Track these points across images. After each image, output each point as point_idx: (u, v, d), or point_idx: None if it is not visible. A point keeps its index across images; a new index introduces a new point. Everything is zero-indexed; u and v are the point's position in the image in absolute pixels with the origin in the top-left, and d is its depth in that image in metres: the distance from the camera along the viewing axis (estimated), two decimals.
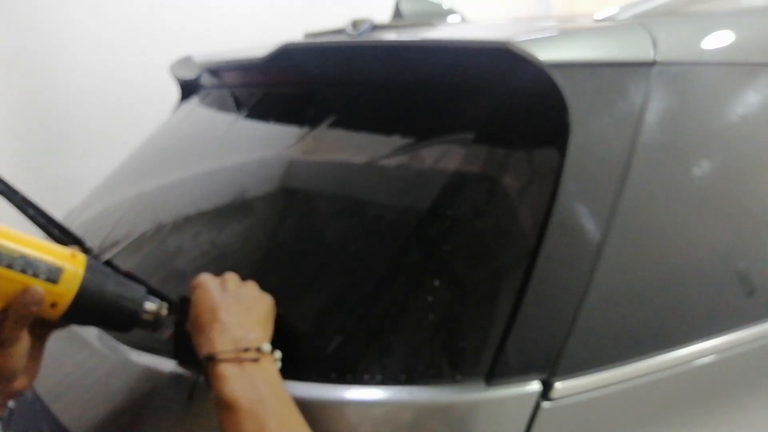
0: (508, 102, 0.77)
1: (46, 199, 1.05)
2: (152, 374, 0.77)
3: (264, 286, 0.73)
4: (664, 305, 0.74)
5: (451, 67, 0.82)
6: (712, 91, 0.85)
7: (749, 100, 0.88)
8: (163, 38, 2.72)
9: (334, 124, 0.95)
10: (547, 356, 0.65)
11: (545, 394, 0.64)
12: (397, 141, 0.84)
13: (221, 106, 1.28)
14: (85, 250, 0.88)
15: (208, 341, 0.65)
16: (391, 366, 0.65)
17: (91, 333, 0.90)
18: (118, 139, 2.01)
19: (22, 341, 0.63)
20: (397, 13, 1.37)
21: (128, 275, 0.73)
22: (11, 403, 0.94)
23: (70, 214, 1.36)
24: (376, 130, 0.90)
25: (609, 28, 0.82)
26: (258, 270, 0.82)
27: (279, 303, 0.72)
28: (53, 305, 0.63)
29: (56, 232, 0.89)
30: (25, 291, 0.60)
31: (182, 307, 0.73)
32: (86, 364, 0.84)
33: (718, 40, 0.88)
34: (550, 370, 0.65)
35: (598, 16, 0.90)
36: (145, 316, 0.69)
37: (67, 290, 0.63)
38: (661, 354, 0.72)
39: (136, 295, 0.69)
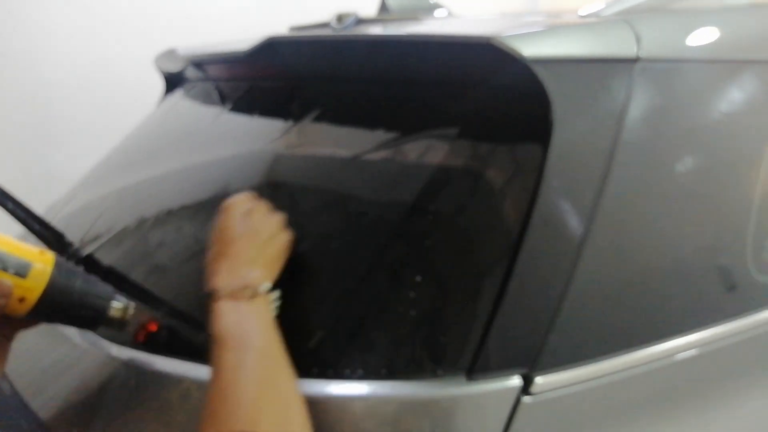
0: (492, 97, 0.77)
1: (28, 193, 1.04)
2: (132, 369, 0.76)
3: None
4: (644, 301, 0.74)
5: (435, 61, 0.82)
6: (696, 87, 0.86)
7: (732, 97, 0.89)
8: (147, 31, 2.69)
9: (319, 118, 0.94)
10: (528, 351, 0.65)
11: (526, 388, 0.65)
12: (381, 136, 0.84)
13: (206, 100, 1.27)
14: (66, 243, 0.87)
15: (215, 272, 0.68)
16: (372, 361, 0.65)
17: (71, 328, 0.89)
18: (102, 132, 2.00)
19: None
20: (384, 7, 1.36)
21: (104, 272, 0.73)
22: None
23: (52, 207, 1.35)
24: (360, 124, 0.90)
25: (593, 24, 0.82)
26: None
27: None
28: (21, 300, 0.64)
29: (36, 226, 0.88)
30: None
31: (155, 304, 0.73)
32: (66, 359, 0.84)
33: (702, 37, 0.88)
34: (530, 365, 0.65)
35: (583, 12, 0.90)
36: (112, 314, 0.70)
37: (35, 285, 0.65)
38: (641, 349, 0.72)
39: (103, 293, 0.70)
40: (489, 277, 0.67)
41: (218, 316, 0.64)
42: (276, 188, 0.92)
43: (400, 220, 0.74)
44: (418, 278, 0.68)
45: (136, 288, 0.85)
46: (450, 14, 1.41)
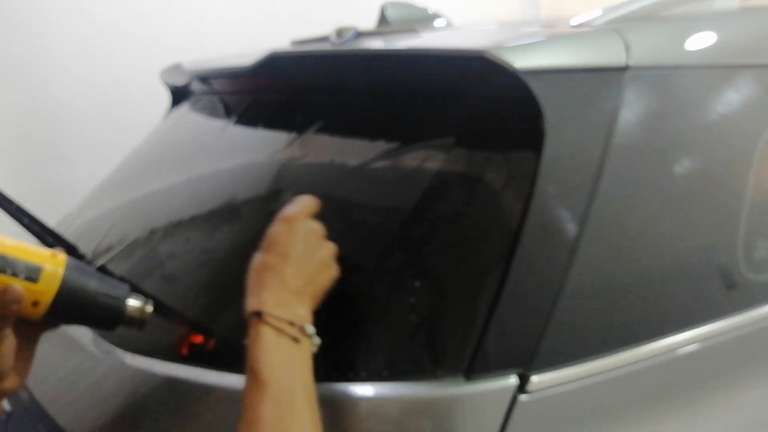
0: (487, 107, 0.80)
1: (37, 205, 1.07)
2: (145, 376, 0.79)
3: None
4: (636, 301, 0.77)
5: (431, 74, 0.85)
6: (686, 93, 0.88)
7: (721, 102, 0.91)
8: (153, 44, 2.74)
9: (320, 130, 0.97)
10: (524, 351, 0.68)
11: (522, 387, 0.67)
12: (380, 145, 0.87)
13: (211, 112, 1.31)
14: (79, 256, 0.90)
15: (262, 290, 0.66)
16: (374, 363, 0.68)
17: (86, 337, 0.92)
18: (109, 145, 2.03)
19: (7, 340, 0.64)
20: (383, 19, 1.39)
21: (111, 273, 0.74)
22: (8, 406, 0.97)
23: (63, 220, 1.38)
24: (360, 134, 0.93)
25: (583, 34, 0.84)
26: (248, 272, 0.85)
27: None
28: (35, 304, 0.64)
29: (50, 239, 0.91)
30: (4, 290, 0.62)
31: (166, 308, 0.74)
32: (81, 367, 0.87)
33: (692, 44, 0.91)
34: (526, 364, 0.68)
35: (574, 22, 0.93)
36: (130, 313, 0.69)
37: (47, 288, 0.64)
38: (634, 348, 0.75)
39: (119, 292, 0.69)
40: (485, 280, 0.70)
41: (262, 345, 0.62)
42: (281, 197, 0.95)
43: (400, 227, 0.77)
44: (418, 283, 0.71)
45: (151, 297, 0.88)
46: (449, 24, 1.43)
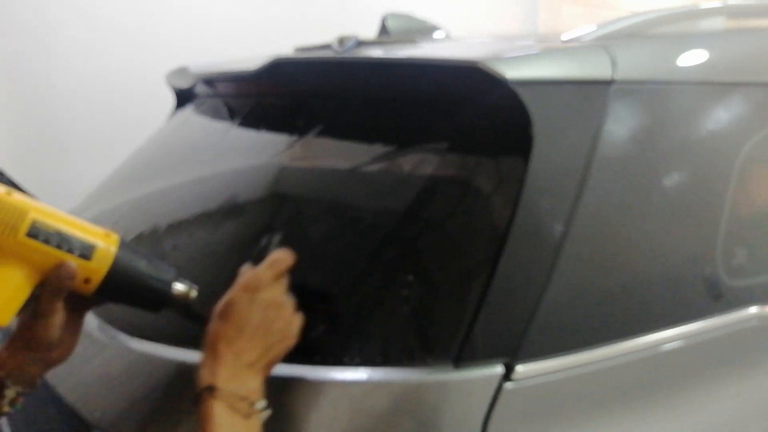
0: (479, 115, 0.85)
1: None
2: (149, 359, 0.83)
3: None
4: (618, 300, 0.82)
5: (427, 82, 0.90)
6: (669, 107, 0.93)
7: (702, 117, 0.96)
8: (156, 45, 2.78)
9: (321, 133, 1.02)
10: (510, 343, 0.72)
11: (507, 375, 0.72)
12: (378, 149, 0.92)
13: (215, 115, 1.35)
14: None
15: (215, 364, 0.65)
16: (368, 350, 0.72)
17: (92, 324, 0.96)
18: (112, 145, 2.07)
19: (58, 314, 0.66)
20: (384, 30, 1.44)
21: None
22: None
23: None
24: (359, 139, 0.97)
25: (572, 48, 0.90)
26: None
27: None
28: (86, 281, 0.66)
29: None
30: (59, 266, 0.64)
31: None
32: (89, 351, 0.91)
33: (676, 61, 0.96)
34: (512, 354, 0.72)
35: (565, 37, 0.98)
36: (175, 296, 0.70)
37: (99, 266, 0.66)
38: (615, 343, 0.79)
39: (166, 275, 0.70)
40: (475, 276, 0.74)
41: (213, 423, 0.62)
42: (282, 197, 1.00)
43: (395, 225, 0.82)
44: (411, 277, 0.76)
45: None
46: (447, 36, 1.49)
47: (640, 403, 0.80)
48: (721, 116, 0.98)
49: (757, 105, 0.99)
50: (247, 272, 0.72)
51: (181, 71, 1.47)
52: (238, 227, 1.02)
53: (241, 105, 1.26)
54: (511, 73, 0.78)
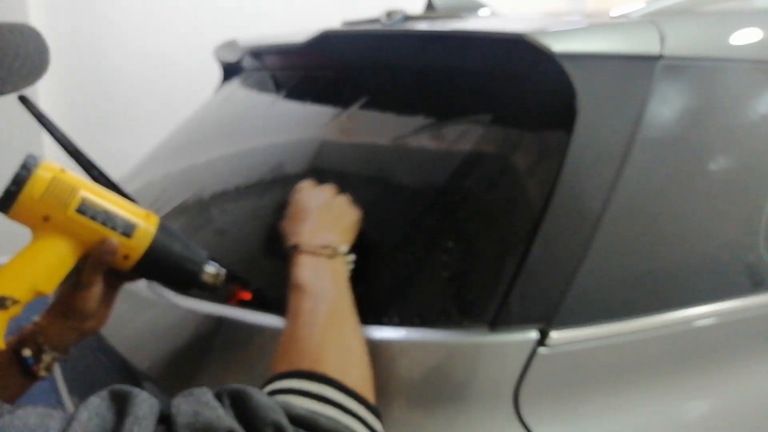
0: (524, 88, 0.86)
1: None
2: (194, 315, 0.87)
3: None
4: (655, 274, 0.82)
5: (474, 55, 0.91)
6: (717, 86, 0.92)
7: (754, 98, 0.95)
8: (206, 23, 2.84)
9: (367, 106, 1.04)
10: (546, 309, 0.74)
11: (542, 341, 0.73)
12: (423, 121, 0.93)
13: (261, 88, 1.38)
14: None
15: (297, 234, 0.77)
16: (407, 311, 0.74)
17: (140, 283, 1.00)
18: (161, 121, 2.13)
19: (96, 286, 0.72)
20: (430, 6, 1.45)
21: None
22: None
23: (119, 183, 1.47)
24: (404, 111, 0.99)
25: (620, 24, 0.89)
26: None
27: None
28: (126, 257, 0.71)
29: (115, 194, 0.99)
30: (102, 241, 0.69)
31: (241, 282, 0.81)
32: (138, 307, 0.95)
33: (728, 39, 0.95)
34: (547, 321, 0.73)
35: (614, 13, 0.97)
36: (205, 278, 0.75)
37: (138, 245, 0.71)
38: (651, 316, 0.80)
39: (198, 258, 0.75)
40: (513, 243, 0.76)
41: (299, 267, 0.72)
42: (327, 168, 1.02)
43: (438, 194, 0.83)
44: (451, 243, 0.77)
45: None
46: (493, 13, 1.48)
47: (671, 377, 0.81)
48: None
49: None
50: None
51: (230, 45, 1.50)
52: (283, 197, 1.05)
53: (288, 78, 1.29)
54: (558, 46, 0.79)
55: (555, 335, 0.73)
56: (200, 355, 0.83)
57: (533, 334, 0.73)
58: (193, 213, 1.15)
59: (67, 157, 0.91)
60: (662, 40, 0.85)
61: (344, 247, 0.76)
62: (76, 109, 2.73)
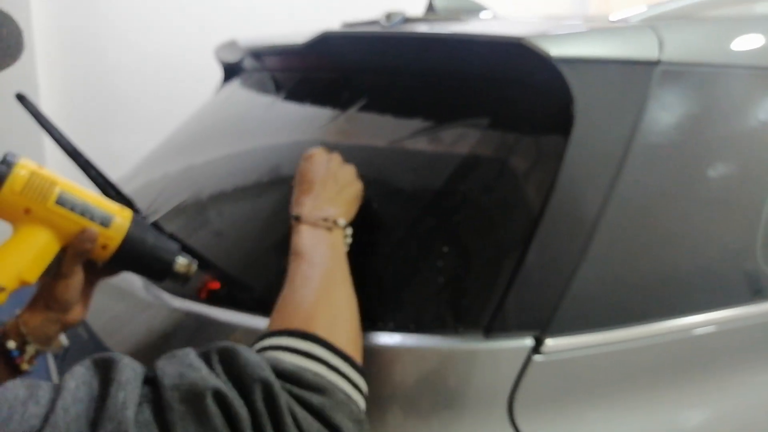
0: (521, 92, 0.85)
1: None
2: (190, 317, 0.88)
3: None
4: (651, 282, 0.82)
5: (472, 58, 0.90)
6: (715, 92, 0.91)
7: (751, 104, 0.94)
8: (207, 23, 2.84)
9: (365, 108, 1.04)
10: (541, 316, 0.73)
11: (537, 348, 0.73)
12: (420, 124, 0.93)
13: (261, 88, 1.38)
14: (135, 210, 0.99)
15: (300, 204, 0.80)
16: (401, 316, 0.74)
17: (137, 285, 1.01)
18: (162, 117, 2.13)
19: (77, 276, 0.75)
20: (431, 8, 1.45)
21: (169, 235, 0.84)
22: (66, 342, 1.06)
23: (117, 183, 1.47)
24: (402, 113, 0.99)
25: (619, 28, 0.89)
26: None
27: None
28: (104, 247, 0.75)
29: (112, 192, 1.00)
30: (83, 230, 0.73)
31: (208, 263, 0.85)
32: (134, 309, 0.95)
33: (726, 44, 0.94)
34: (542, 328, 0.73)
35: (613, 18, 0.97)
36: (177, 268, 0.79)
37: (115, 234, 0.75)
38: (646, 324, 0.79)
39: (171, 249, 0.80)
40: (509, 249, 0.75)
41: (299, 235, 0.75)
42: None
43: (434, 198, 0.83)
44: (446, 249, 0.77)
45: (194, 252, 0.96)
46: (494, 16, 1.48)
47: (667, 385, 0.81)
48: None
49: None
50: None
51: (230, 45, 1.50)
52: (281, 198, 1.05)
53: (288, 79, 1.29)
54: (555, 50, 0.78)
55: (550, 342, 0.73)
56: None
57: (528, 341, 0.73)
58: (191, 213, 1.15)
59: (65, 157, 0.92)
60: (661, 45, 0.85)
61: (343, 221, 0.78)
62: (76, 108, 2.73)
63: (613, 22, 0.95)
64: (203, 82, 1.97)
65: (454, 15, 1.25)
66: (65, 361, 0.94)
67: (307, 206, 0.79)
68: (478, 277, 0.75)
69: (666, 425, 0.79)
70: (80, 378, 0.53)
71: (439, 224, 0.80)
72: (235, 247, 1.01)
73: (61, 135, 0.91)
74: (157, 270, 0.79)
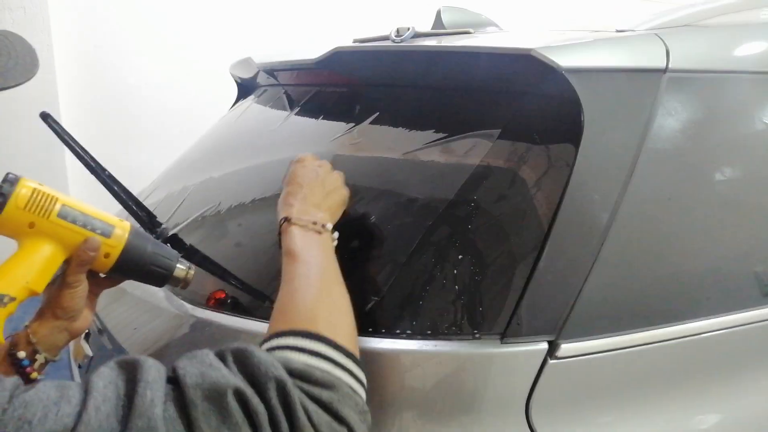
0: (531, 102, 0.87)
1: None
2: (210, 325, 0.90)
3: None
4: (662, 287, 0.83)
5: (482, 70, 0.93)
6: (722, 98, 0.93)
7: (755, 109, 0.95)
8: (222, 41, 2.89)
9: (378, 121, 1.06)
10: (555, 322, 0.75)
11: (551, 352, 0.74)
12: (433, 135, 0.95)
13: (275, 104, 1.41)
14: (157, 223, 1.01)
15: (289, 206, 0.82)
16: (420, 323, 0.76)
17: (159, 296, 1.03)
18: (178, 132, 2.17)
19: (83, 285, 0.78)
20: (438, 23, 1.47)
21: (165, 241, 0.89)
22: (90, 351, 1.08)
23: (138, 197, 1.50)
24: (415, 125, 1.01)
25: (625, 37, 0.91)
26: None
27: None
28: (106, 255, 0.79)
29: (134, 207, 1.02)
30: (86, 240, 0.76)
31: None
32: (157, 318, 0.98)
33: (731, 51, 0.96)
34: (557, 333, 0.75)
35: (619, 27, 0.99)
36: (177, 274, 0.83)
37: (117, 244, 0.79)
38: (657, 328, 0.81)
39: (170, 256, 0.83)
40: (523, 257, 0.77)
41: (290, 236, 0.78)
42: (349, 183, 1.04)
43: (449, 207, 0.85)
44: (462, 257, 0.79)
45: (209, 261, 0.98)
46: (499, 29, 1.50)
47: (679, 388, 0.82)
48: None
49: None
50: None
51: (244, 62, 1.53)
52: None
53: (301, 94, 1.32)
54: (564, 61, 0.80)
55: (564, 346, 0.74)
56: None
57: (543, 346, 0.74)
58: (209, 226, 1.18)
59: (86, 173, 0.95)
60: (667, 53, 0.87)
61: (330, 225, 0.82)
62: (95, 125, 2.78)
63: (620, 31, 0.96)
64: (219, 98, 2.01)
65: (463, 29, 1.27)
66: (89, 371, 0.96)
67: (295, 208, 0.82)
68: (493, 285, 0.77)
69: (679, 427, 0.80)
70: (107, 378, 0.56)
71: (455, 234, 0.82)
72: (253, 257, 1.03)
73: (84, 152, 0.94)
74: (157, 276, 0.83)
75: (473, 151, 0.88)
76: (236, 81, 1.67)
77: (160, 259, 0.82)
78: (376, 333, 0.76)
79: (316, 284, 0.72)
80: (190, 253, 0.94)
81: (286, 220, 0.80)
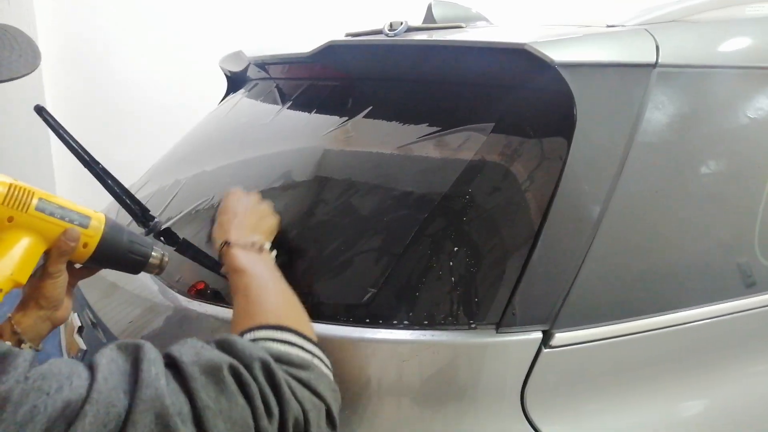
0: (524, 96, 0.88)
1: (97, 183, 1.18)
2: (205, 317, 0.90)
3: (314, 251, 0.91)
4: (653, 277, 0.85)
5: (475, 64, 0.93)
6: (711, 92, 0.95)
7: (746, 103, 0.97)
8: (213, 34, 2.87)
9: (371, 114, 1.06)
10: (549, 311, 0.76)
11: (546, 341, 0.76)
12: (426, 129, 0.96)
13: (266, 98, 1.41)
14: (150, 217, 1.01)
15: (225, 232, 0.88)
16: (416, 313, 0.77)
17: (153, 289, 1.03)
18: (165, 129, 2.16)
19: (63, 274, 0.82)
20: (429, 17, 1.47)
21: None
22: (83, 345, 1.08)
23: (130, 190, 1.49)
24: (408, 119, 1.01)
25: (617, 32, 0.92)
26: (308, 239, 0.95)
27: (327, 265, 0.87)
28: (84, 245, 0.81)
29: (127, 201, 1.02)
30: (65, 231, 0.79)
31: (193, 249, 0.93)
32: (152, 311, 0.98)
33: (720, 46, 0.98)
34: (550, 323, 0.76)
35: (610, 23, 1.00)
36: (152, 261, 0.87)
37: (94, 233, 0.82)
38: (649, 317, 0.83)
39: (145, 244, 0.87)
40: (517, 248, 0.78)
41: (234, 257, 0.83)
42: (335, 175, 1.05)
43: (444, 200, 0.86)
44: (457, 248, 0.80)
45: (202, 254, 0.98)
46: (489, 24, 1.51)
47: (670, 375, 0.84)
48: (764, 103, 1.00)
49: None
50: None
51: (235, 55, 1.53)
52: (287, 203, 1.08)
53: (293, 88, 1.32)
54: (558, 55, 0.81)
55: (558, 336, 0.76)
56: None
57: (537, 335, 0.75)
58: (203, 218, 1.18)
59: (75, 171, 0.95)
60: (657, 48, 0.88)
61: (268, 245, 0.89)
62: (81, 118, 2.76)
63: (611, 26, 0.98)
64: (209, 91, 2.00)
65: (455, 23, 1.28)
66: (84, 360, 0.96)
67: (233, 233, 0.88)
68: (488, 276, 0.78)
69: (670, 414, 0.82)
70: (109, 356, 0.61)
71: (450, 226, 0.83)
72: None
73: (77, 145, 0.94)
74: (134, 263, 0.86)
75: (467, 144, 0.89)
76: (226, 74, 1.66)
77: (136, 247, 0.85)
78: (374, 324, 0.77)
79: (273, 289, 0.79)
80: (184, 247, 0.95)
81: (227, 243, 0.86)
